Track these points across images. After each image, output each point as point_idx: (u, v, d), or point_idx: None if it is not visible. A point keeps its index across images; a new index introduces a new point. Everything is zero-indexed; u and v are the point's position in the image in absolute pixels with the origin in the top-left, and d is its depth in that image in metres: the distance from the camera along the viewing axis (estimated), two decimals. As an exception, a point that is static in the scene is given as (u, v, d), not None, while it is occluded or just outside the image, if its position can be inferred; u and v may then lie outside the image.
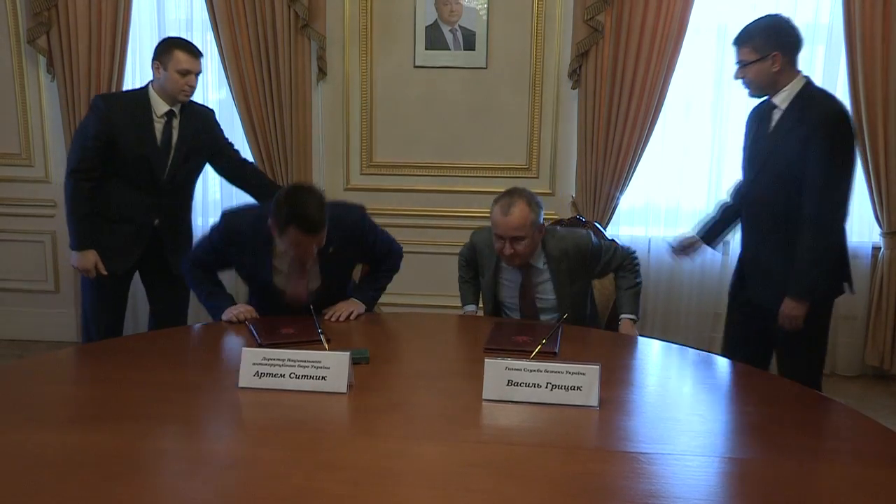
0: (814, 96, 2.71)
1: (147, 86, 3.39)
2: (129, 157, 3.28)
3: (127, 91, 3.66)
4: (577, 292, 2.95)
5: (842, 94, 4.17)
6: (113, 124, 3.24)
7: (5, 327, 4.74)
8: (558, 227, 3.14)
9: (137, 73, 4.57)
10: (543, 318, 2.98)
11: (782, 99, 2.73)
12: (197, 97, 4.44)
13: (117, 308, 3.50)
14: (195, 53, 3.35)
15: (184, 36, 4.48)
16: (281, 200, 2.57)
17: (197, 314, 3.96)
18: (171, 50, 3.28)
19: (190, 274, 2.94)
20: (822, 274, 2.68)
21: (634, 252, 3.05)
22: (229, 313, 2.76)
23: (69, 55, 4.42)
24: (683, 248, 3.20)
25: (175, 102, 3.34)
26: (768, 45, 2.68)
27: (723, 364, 2.51)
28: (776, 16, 2.82)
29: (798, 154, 2.64)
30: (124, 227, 3.37)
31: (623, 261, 3.01)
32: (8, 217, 4.69)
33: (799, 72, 2.75)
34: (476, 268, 3.15)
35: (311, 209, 2.54)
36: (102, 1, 4.34)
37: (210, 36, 4.42)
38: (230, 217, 2.87)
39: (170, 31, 4.51)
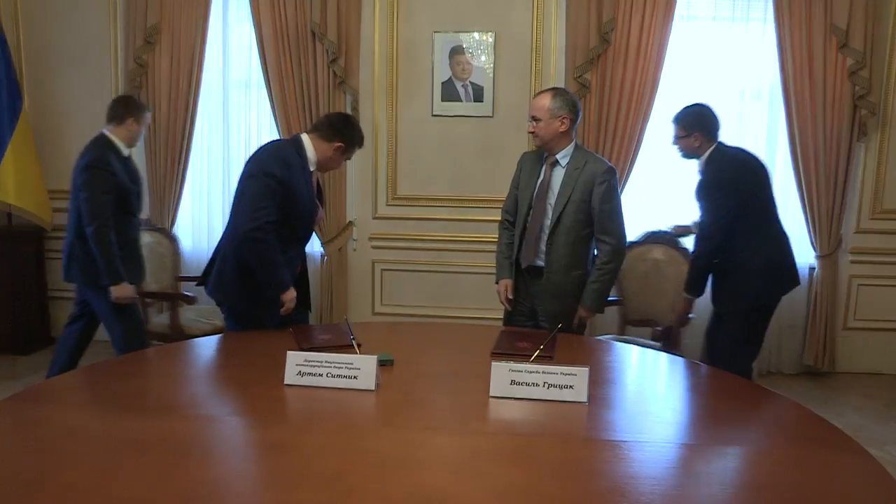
0: (710, 160, 3.10)
1: (103, 135, 3.27)
2: (128, 193, 3.27)
3: (96, 145, 3.26)
4: (574, 221, 2.80)
5: (782, 143, 4.23)
6: (117, 174, 3.20)
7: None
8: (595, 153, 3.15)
9: (206, 123, 4.63)
10: (543, 226, 2.86)
11: (700, 163, 3.15)
12: (253, 140, 4.55)
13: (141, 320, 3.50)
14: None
15: (243, 92, 4.58)
16: (348, 124, 2.80)
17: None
18: (144, 111, 3.34)
19: (269, 253, 2.62)
20: (694, 276, 3.19)
21: (623, 245, 2.87)
22: (289, 301, 2.70)
23: (154, 111, 4.49)
24: (679, 232, 3.60)
25: (131, 147, 3.38)
26: (691, 127, 3.09)
27: (690, 366, 2.49)
28: (700, 105, 3.17)
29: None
30: (132, 248, 3.37)
31: (610, 236, 2.81)
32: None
33: (713, 142, 3.11)
34: (514, 216, 3.02)
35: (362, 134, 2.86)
36: (181, 68, 4.45)
37: (264, 92, 4.46)
38: (272, 149, 2.72)
39: (232, 91, 4.59)
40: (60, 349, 3.52)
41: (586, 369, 2.00)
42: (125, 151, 3.33)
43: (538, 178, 2.92)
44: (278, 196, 2.63)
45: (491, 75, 4.39)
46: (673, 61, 4.23)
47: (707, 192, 3.09)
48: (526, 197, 2.94)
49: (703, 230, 3.15)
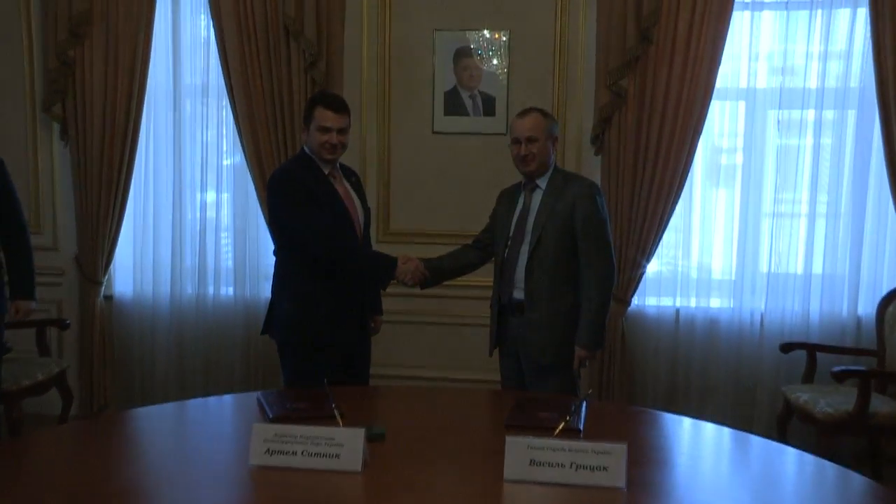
0: None
1: None
2: None
3: None
4: (555, 242, 3.07)
5: (876, 156, 4.24)
6: None
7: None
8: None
9: (151, 139, 4.71)
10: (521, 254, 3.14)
11: None
12: (212, 161, 4.61)
13: None
14: None
15: (199, 102, 4.66)
16: (309, 98, 3.42)
17: None
18: None
19: (340, 253, 3.11)
20: None
21: (612, 267, 3.13)
22: (405, 275, 3.18)
23: (83, 122, 4.57)
24: None
25: None
26: None
27: (760, 444, 2.48)
28: None
29: None
30: None
31: (595, 260, 3.07)
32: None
33: None
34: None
35: (333, 93, 3.44)
36: (119, 68, 4.52)
37: (225, 101, 4.55)
38: (280, 172, 3.20)
39: (185, 98, 4.68)
40: None
41: (624, 446, 2.00)
42: None
43: (517, 207, 3.25)
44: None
45: (504, 83, 4.47)
46: (732, 61, 4.31)
47: None
48: (504, 229, 3.27)
49: None
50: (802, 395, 3.81)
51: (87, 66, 4.54)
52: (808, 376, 4.07)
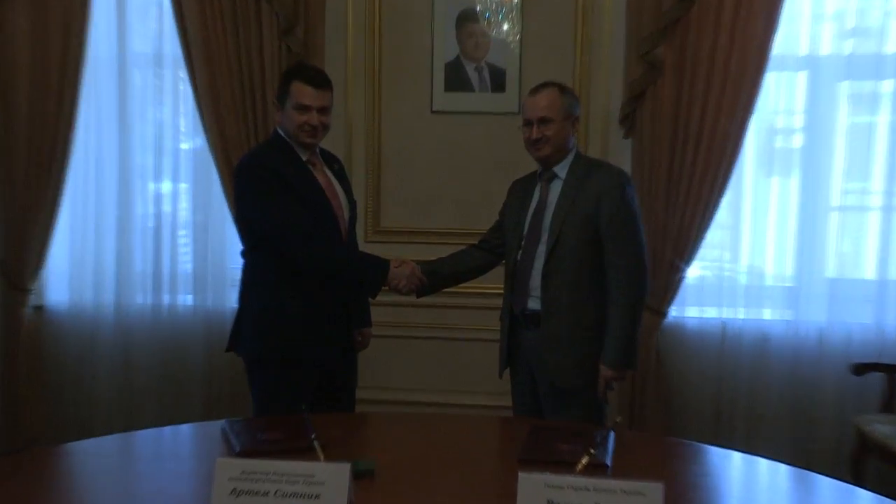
0: None
1: None
2: None
3: None
4: (577, 242, 3.06)
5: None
6: None
7: None
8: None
9: (92, 117, 4.69)
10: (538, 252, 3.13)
11: None
12: (167, 145, 4.60)
13: None
14: None
15: (150, 73, 4.64)
16: (284, 72, 3.54)
17: None
18: None
19: (316, 255, 3.10)
20: None
21: (644, 269, 3.12)
22: (398, 281, 3.20)
23: (6, 96, 4.55)
24: None
25: None
26: None
27: (829, 486, 2.46)
28: None
29: None
30: None
31: (624, 263, 3.05)
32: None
33: None
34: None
35: (313, 66, 3.43)
36: (51, 31, 4.50)
37: (183, 74, 4.54)
38: (250, 158, 3.21)
39: (133, 68, 4.67)
40: None
41: (660, 486, 2.00)
42: None
43: (532, 200, 3.26)
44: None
45: (517, 53, 4.47)
46: (791, 23, 4.28)
47: None
48: (516, 227, 3.28)
49: None
50: (880, 427, 3.79)
51: (10, 27, 4.50)
52: (887, 405, 4.04)
